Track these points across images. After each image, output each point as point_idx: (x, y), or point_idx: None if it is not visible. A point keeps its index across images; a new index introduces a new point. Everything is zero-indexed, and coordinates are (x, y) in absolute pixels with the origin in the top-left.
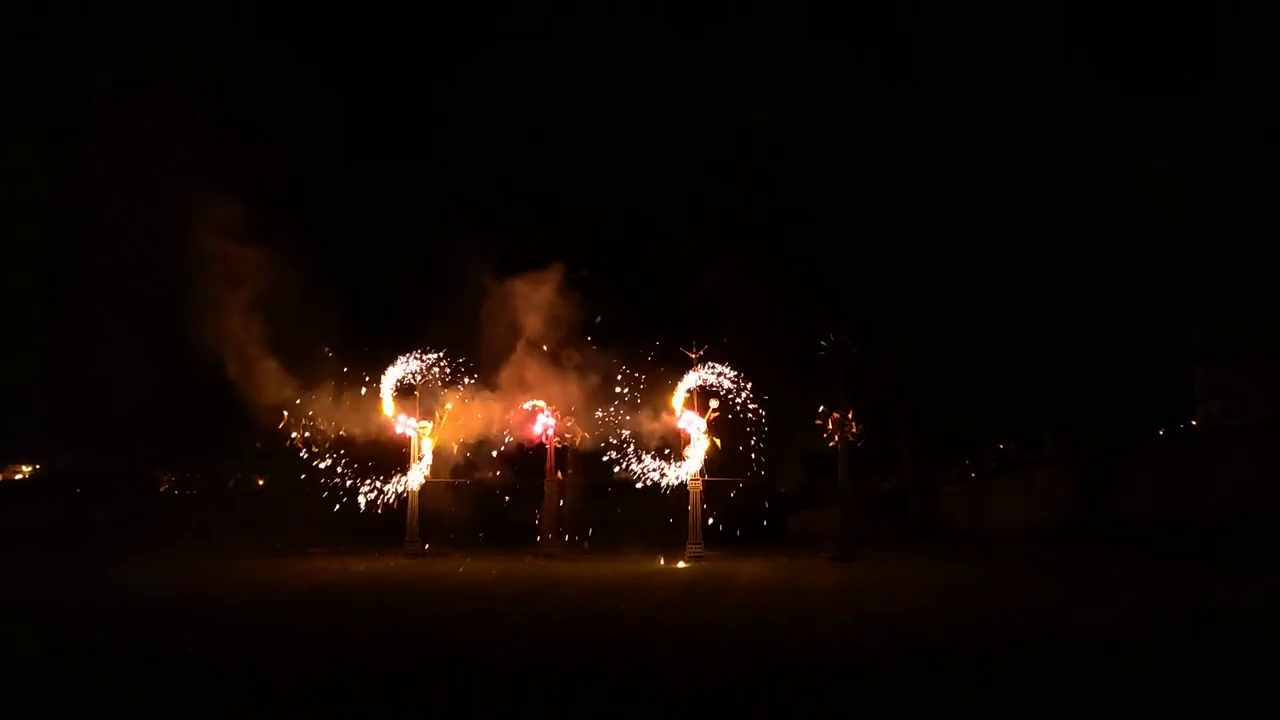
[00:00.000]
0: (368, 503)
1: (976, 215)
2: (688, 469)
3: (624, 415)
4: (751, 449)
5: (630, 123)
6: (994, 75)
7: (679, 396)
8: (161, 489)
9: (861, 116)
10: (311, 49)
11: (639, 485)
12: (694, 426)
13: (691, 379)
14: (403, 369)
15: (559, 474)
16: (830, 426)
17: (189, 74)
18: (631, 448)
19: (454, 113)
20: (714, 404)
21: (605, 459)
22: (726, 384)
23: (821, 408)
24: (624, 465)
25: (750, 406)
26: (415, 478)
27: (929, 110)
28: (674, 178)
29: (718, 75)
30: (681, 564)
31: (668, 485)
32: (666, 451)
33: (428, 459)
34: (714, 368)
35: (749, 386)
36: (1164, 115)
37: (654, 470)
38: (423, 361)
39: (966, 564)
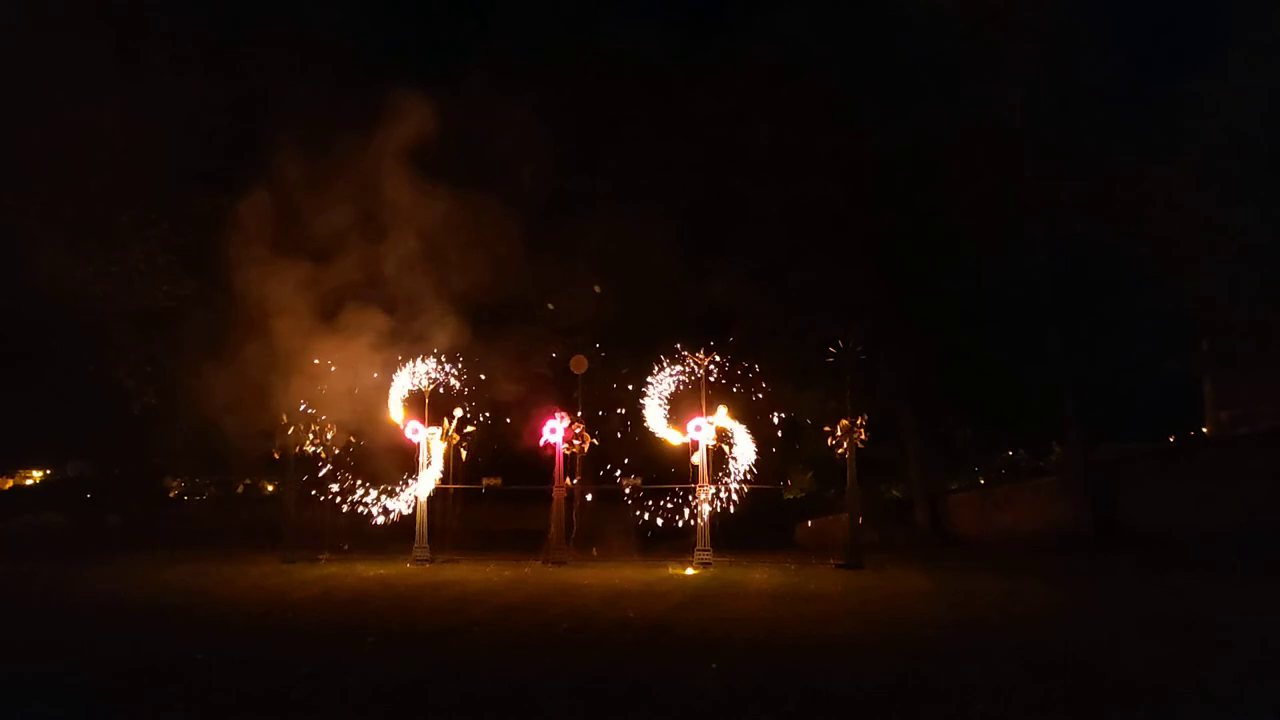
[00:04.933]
0: (377, 509)
1: (985, 222)
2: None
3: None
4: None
5: (637, 126)
6: (998, 82)
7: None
8: (171, 495)
9: (867, 121)
10: None
11: (643, 491)
12: (703, 436)
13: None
14: (410, 376)
15: (568, 480)
16: (839, 433)
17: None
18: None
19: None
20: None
21: (612, 468)
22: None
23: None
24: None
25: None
26: (426, 485)
27: (934, 115)
28: (680, 181)
29: (725, 79)
30: (690, 570)
31: (677, 491)
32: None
33: (438, 466)
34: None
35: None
36: (1172, 121)
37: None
38: (430, 368)
39: (974, 572)
